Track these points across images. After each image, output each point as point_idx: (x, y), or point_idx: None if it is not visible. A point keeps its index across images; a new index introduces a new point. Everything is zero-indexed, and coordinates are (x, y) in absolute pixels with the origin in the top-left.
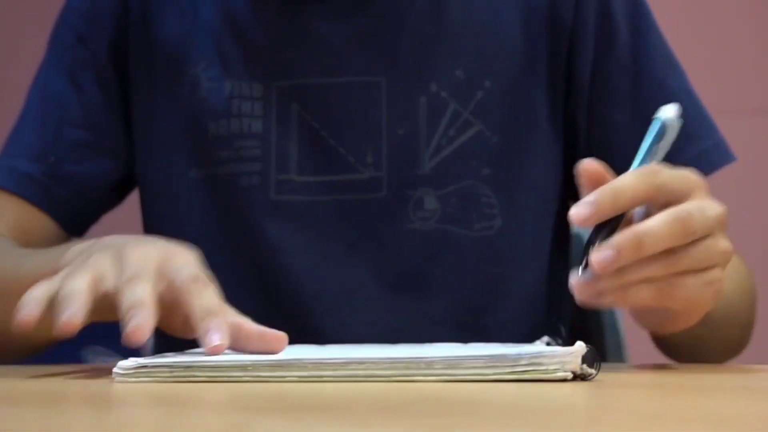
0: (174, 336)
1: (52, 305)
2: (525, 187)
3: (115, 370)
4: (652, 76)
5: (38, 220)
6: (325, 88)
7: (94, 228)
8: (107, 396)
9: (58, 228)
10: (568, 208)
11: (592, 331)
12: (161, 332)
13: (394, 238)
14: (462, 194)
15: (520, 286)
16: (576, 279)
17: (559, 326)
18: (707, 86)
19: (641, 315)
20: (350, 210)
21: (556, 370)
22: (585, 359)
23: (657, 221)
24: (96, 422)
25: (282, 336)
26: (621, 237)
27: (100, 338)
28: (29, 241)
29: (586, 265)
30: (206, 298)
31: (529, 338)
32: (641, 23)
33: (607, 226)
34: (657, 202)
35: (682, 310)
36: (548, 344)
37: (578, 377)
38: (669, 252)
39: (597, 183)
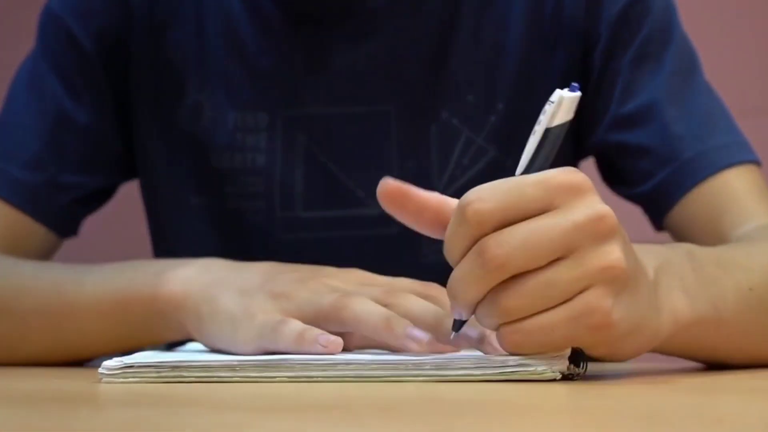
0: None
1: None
2: None
3: (100, 370)
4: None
5: (30, 229)
6: (333, 118)
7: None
8: (102, 396)
9: (50, 235)
10: None
11: None
12: None
13: (408, 275)
14: None
15: None
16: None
17: None
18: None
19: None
20: (359, 247)
21: (544, 371)
22: (572, 359)
23: (460, 265)
24: (95, 422)
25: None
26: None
27: None
28: (16, 251)
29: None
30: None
31: None
32: (666, 30)
33: None
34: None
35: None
36: None
37: (566, 377)
38: (502, 289)
39: (399, 205)
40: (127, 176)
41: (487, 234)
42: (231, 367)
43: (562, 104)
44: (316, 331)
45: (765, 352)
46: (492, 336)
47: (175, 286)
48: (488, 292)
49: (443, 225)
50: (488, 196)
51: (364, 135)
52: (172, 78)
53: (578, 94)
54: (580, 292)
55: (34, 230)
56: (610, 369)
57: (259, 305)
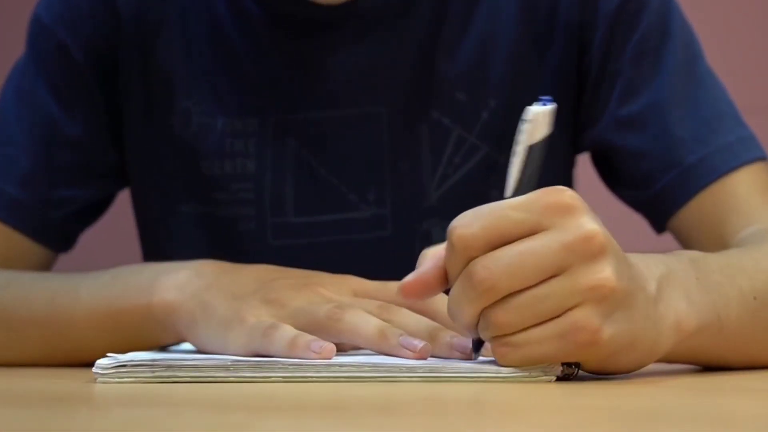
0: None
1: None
2: None
3: (94, 369)
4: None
5: (25, 247)
6: (322, 121)
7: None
8: (99, 396)
9: (45, 251)
10: None
11: None
12: None
13: (402, 278)
14: None
15: None
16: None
17: None
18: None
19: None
20: (353, 251)
21: (538, 375)
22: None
23: (453, 288)
24: (93, 423)
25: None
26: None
27: None
28: (11, 269)
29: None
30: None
31: None
32: (663, 23)
33: None
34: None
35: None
36: None
37: (560, 379)
38: (494, 307)
39: (422, 295)
40: (121, 186)
41: (474, 258)
42: (225, 367)
43: (537, 121)
44: (308, 337)
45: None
46: (457, 339)
47: (168, 293)
48: (483, 310)
49: None
50: (472, 221)
51: (354, 138)
52: (161, 85)
53: (552, 106)
54: (570, 309)
55: (29, 248)
56: None
57: (252, 310)
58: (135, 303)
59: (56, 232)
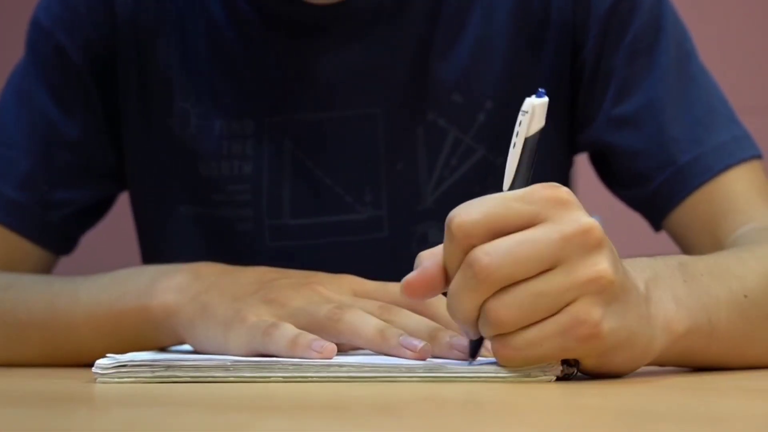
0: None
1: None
2: None
3: (94, 369)
4: (654, 69)
5: (25, 250)
6: (319, 123)
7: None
8: (99, 396)
9: (46, 253)
10: None
11: None
12: None
13: (399, 279)
14: None
15: None
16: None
17: None
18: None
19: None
20: (349, 253)
21: (538, 375)
22: (563, 360)
23: (453, 280)
24: (93, 423)
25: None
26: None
27: None
28: (12, 271)
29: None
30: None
31: None
32: (656, 21)
33: None
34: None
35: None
36: None
37: (560, 379)
38: (493, 301)
39: (425, 294)
40: (120, 188)
41: (475, 246)
42: (225, 367)
43: (535, 112)
44: (309, 336)
45: (758, 357)
46: (456, 339)
47: (167, 296)
48: (483, 304)
49: None
50: (473, 210)
51: (350, 140)
52: (159, 87)
53: (546, 99)
54: (569, 303)
55: (29, 250)
56: None
57: (252, 310)
58: (134, 305)
59: (56, 234)
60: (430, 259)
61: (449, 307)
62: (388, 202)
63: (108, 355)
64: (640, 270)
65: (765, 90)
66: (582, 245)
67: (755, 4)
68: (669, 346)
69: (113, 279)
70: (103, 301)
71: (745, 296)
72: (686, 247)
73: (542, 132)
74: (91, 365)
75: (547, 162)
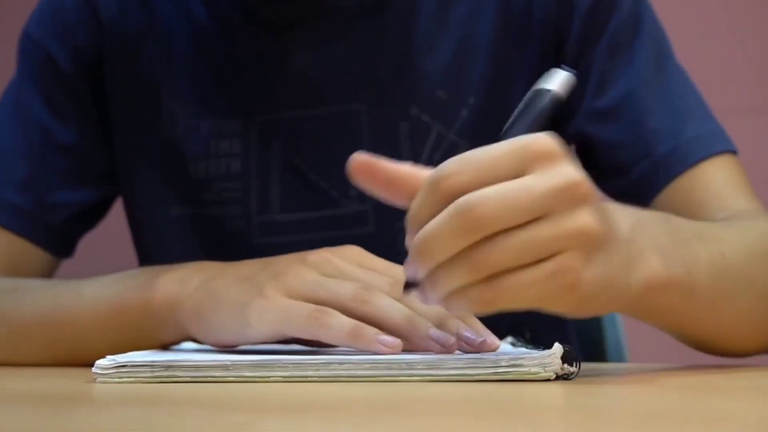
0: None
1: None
2: None
3: (94, 369)
4: (633, 67)
5: (28, 253)
6: (305, 120)
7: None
8: (99, 396)
9: (48, 256)
10: None
11: (592, 331)
12: None
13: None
14: None
15: None
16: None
17: (523, 328)
18: (698, 85)
19: None
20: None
21: (537, 372)
22: (565, 359)
23: (434, 222)
24: (93, 423)
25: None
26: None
27: None
28: (16, 275)
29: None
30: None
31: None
32: (635, 19)
33: None
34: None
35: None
36: (513, 345)
37: (560, 377)
38: (479, 246)
39: (370, 178)
40: (117, 190)
41: (459, 196)
42: (225, 367)
43: (554, 76)
44: (372, 329)
45: (736, 326)
46: (463, 329)
47: (170, 287)
48: (464, 250)
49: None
50: (462, 168)
51: (335, 136)
52: (146, 89)
53: (568, 73)
54: (554, 254)
55: (32, 253)
56: (606, 369)
57: (268, 285)
58: (136, 300)
59: (57, 236)
60: (397, 165)
61: (418, 245)
62: (373, 197)
63: (108, 356)
64: (627, 215)
65: (753, 92)
66: (569, 198)
67: (755, 4)
68: (647, 292)
69: (117, 277)
70: (105, 296)
71: (723, 256)
72: None
73: (557, 101)
74: (92, 365)
75: None
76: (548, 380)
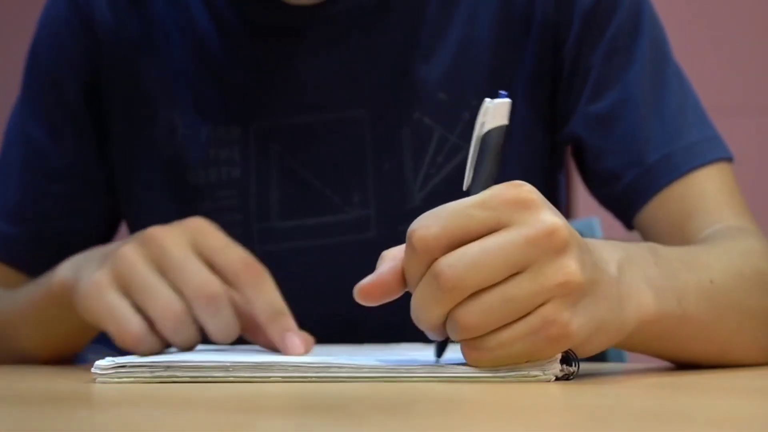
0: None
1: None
2: None
3: (93, 369)
4: (630, 70)
5: (21, 282)
6: (306, 126)
7: None
8: (99, 396)
9: None
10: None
11: None
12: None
13: None
14: None
15: None
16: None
17: None
18: (698, 85)
19: None
20: (339, 253)
21: (537, 375)
22: (563, 360)
23: (418, 289)
24: (94, 423)
25: (311, 339)
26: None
27: (103, 338)
28: None
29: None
30: (268, 293)
31: None
32: (635, 22)
33: None
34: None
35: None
36: None
37: (560, 379)
38: (460, 309)
39: (379, 299)
40: (114, 211)
41: (436, 258)
42: (224, 368)
43: (488, 112)
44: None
45: (729, 348)
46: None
47: (64, 272)
48: (450, 311)
49: None
50: (432, 221)
51: (337, 141)
52: (144, 100)
53: (507, 100)
54: (539, 306)
55: (23, 281)
56: (606, 369)
57: (101, 267)
58: (44, 289)
59: (52, 265)
60: (388, 263)
61: (414, 314)
62: (376, 201)
63: (107, 357)
64: (612, 250)
65: (753, 92)
66: (548, 247)
67: (755, 5)
68: (640, 326)
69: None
70: (29, 291)
71: (711, 282)
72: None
73: (503, 130)
74: (56, 356)
75: (533, 163)
76: (548, 381)
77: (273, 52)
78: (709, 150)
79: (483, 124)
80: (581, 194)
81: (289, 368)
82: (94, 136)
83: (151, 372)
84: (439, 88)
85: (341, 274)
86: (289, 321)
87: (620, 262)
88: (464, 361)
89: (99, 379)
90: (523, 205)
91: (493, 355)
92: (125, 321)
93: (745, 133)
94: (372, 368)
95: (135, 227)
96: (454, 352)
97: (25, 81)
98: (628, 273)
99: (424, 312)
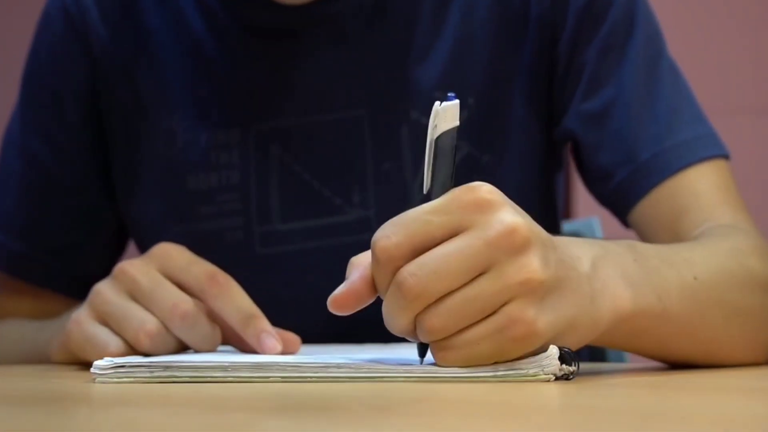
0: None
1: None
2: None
3: (92, 369)
4: (624, 66)
5: (33, 294)
6: (304, 128)
7: None
8: (99, 396)
9: (60, 296)
10: (557, 210)
11: None
12: None
13: None
14: None
15: None
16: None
17: None
18: (698, 85)
19: None
20: (340, 255)
21: (536, 374)
22: (563, 359)
23: (385, 299)
24: (94, 423)
25: (296, 339)
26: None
27: None
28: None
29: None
30: (236, 300)
31: None
32: (629, 18)
33: None
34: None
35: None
36: None
37: (559, 378)
38: (424, 313)
39: (353, 307)
40: (125, 230)
41: (400, 266)
42: (223, 368)
43: (438, 115)
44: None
45: (715, 346)
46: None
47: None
48: (416, 316)
49: None
50: (393, 231)
51: (336, 142)
52: (143, 111)
53: (456, 102)
54: (503, 304)
55: (51, 298)
56: (606, 369)
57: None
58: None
59: (60, 279)
60: (357, 270)
61: (385, 320)
62: (377, 202)
63: (106, 357)
64: (588, 247)
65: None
66: (508, 247)
67: (755, 5)
68: (616, 323)
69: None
70: (35, 341)
71: (695, 278)
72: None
73: (455, 131)
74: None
75: (530, 159)
76: (548, 381)
77: (269, 53)
78: (703, 147)
79: (435, 127)
80: (581, 194)
81: (288, 368)
82: (95, 150)
83: (151, 372)
84: (436, 88)
85: (343, 275)
86: (262, 322)
87: (594, 259)
88: None
89: (98, 379)
90: (482, 207)
91: (459, 354)
92: (104, 345)
93: (745, 133)
94: (371, 368)
95: (139, 238)
96: None
97: (24, 98)
98: (602, 269)
99: (393, 319)
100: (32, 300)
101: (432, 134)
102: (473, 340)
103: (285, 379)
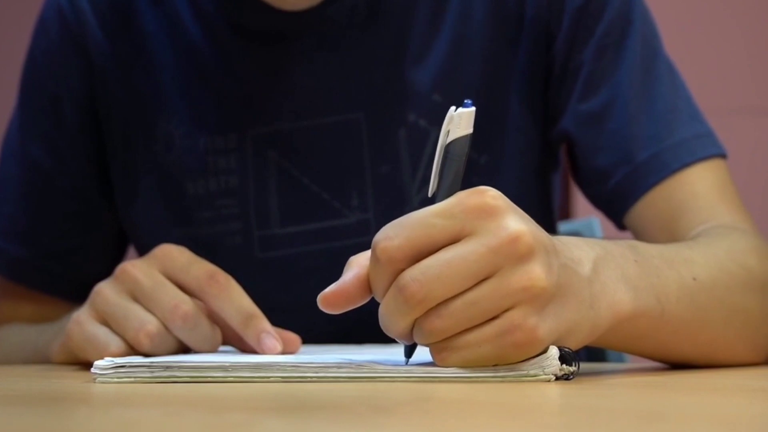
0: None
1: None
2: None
3: (93, 369)
4: (623, 67)
5: (35, 300)
6: (302, 131)
7: None
8: (99, 396)
9: (60, 301)
10: (553, 210)
11: None
12: None
13: None
14: None
15: None
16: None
17: None
18: (698, 85)
19: None
20: (340, 258)
21: (536, 374)
22: (563, 359)
23: (384, 301)
24: (94, 423)
25: (296, 338)
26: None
27: None
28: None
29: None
30: (236, 300)
31: None
32: (625, 18)
33: None
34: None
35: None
36: None
37: (560, 378)
38: (426, 316)
39: (344, 306)
40: (123, 232)
41: (402, 269)
42: (223, 368)
43: (452, 121)
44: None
45: (715, 347)
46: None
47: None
48: (416, 319)
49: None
50: (395, 233)
51: (334, 145)
52: (140, 116)
53: (472, 109)
54: (505, 310)
55: (53, 303)
56: (606, 369)
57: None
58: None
59: (61, 283)
60: (352, 271)
61: (382, 323)
62: (375, 205)
63: (106, 357)
64: (589, 249)
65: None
66: (512, 255)
67: (754, 5)
68: (615, 325)
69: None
70: (41, 345)
71: (695, 279)
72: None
73: (468, 139)
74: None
75: (526, 159)
76: (548, 381)
77: (266, 58)
78: (700, 147)
79: (448, 132)
80: (581, 194)
81: (288, 368)
82: (94, 155)
83: (151, 372)
84: (433, 90)
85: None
86: (262, 323)
87: (596, 261)
88: None
89: (98, 379)
90: (486, 213)
91: (459, 356)
92: (104, 345)
93: (745, 133)
94: (371, 368)
95: (138, 242)
96: None
97: (22, 104)
98: (603, 271)
99: (391, 323)
100: (33, 305)
101: (443, 139)
102: (474, 342)
103: (285, 379)
